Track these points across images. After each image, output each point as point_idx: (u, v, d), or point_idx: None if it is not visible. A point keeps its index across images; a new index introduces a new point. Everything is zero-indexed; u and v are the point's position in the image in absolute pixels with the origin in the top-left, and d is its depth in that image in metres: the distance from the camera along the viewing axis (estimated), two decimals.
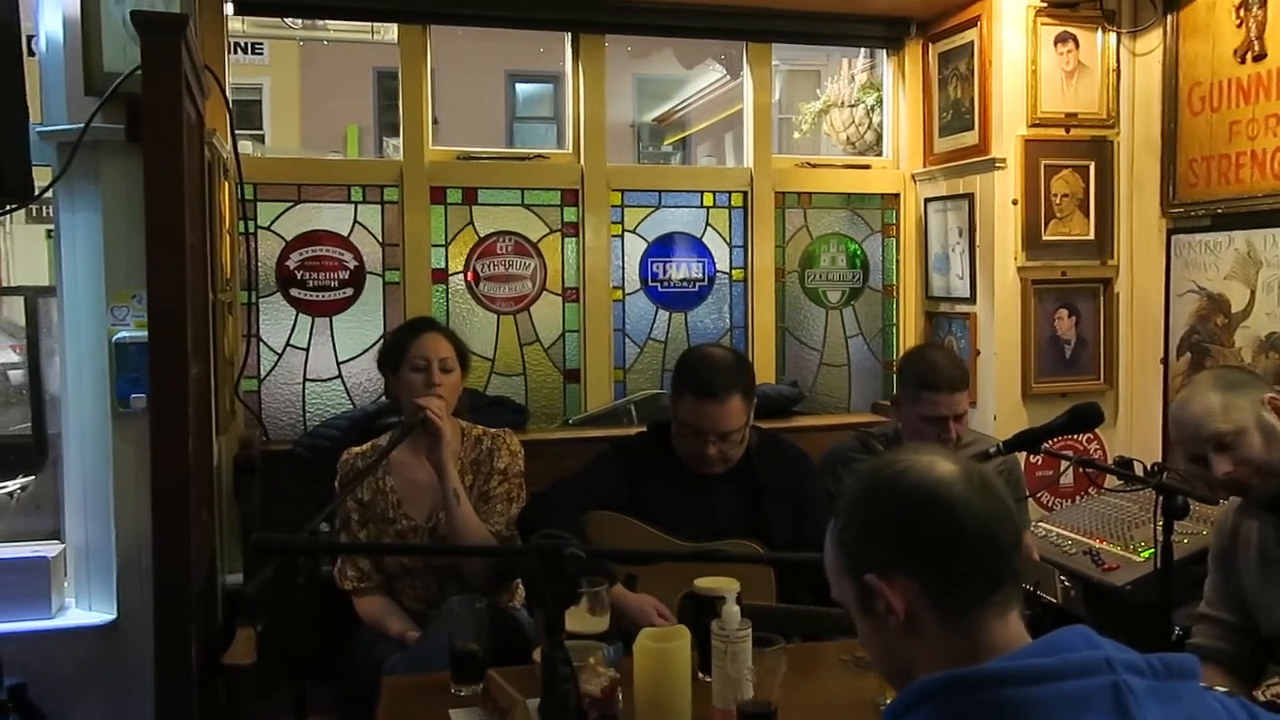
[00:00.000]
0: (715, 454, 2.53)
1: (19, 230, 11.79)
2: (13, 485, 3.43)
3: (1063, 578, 2.84)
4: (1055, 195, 3.64)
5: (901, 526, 1.14)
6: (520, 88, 16.21)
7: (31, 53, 2.74)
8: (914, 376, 2.84)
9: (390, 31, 4.08)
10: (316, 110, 14.59)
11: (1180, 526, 2.52)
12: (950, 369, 2.83)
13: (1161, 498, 2.24)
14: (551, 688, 1.41)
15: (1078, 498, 3.58)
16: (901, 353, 4.08)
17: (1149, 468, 2.48)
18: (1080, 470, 3.47)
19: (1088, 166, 3.67)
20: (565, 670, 1.42)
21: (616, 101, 13.31)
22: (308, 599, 2.72)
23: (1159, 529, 2.27)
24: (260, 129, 14.58)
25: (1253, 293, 3.25)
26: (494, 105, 15.41)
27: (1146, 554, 2.90)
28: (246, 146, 5.62)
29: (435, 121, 3.76)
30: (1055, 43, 3.60)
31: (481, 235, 3.74)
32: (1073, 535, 3.17)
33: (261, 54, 14.50)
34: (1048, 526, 3.27)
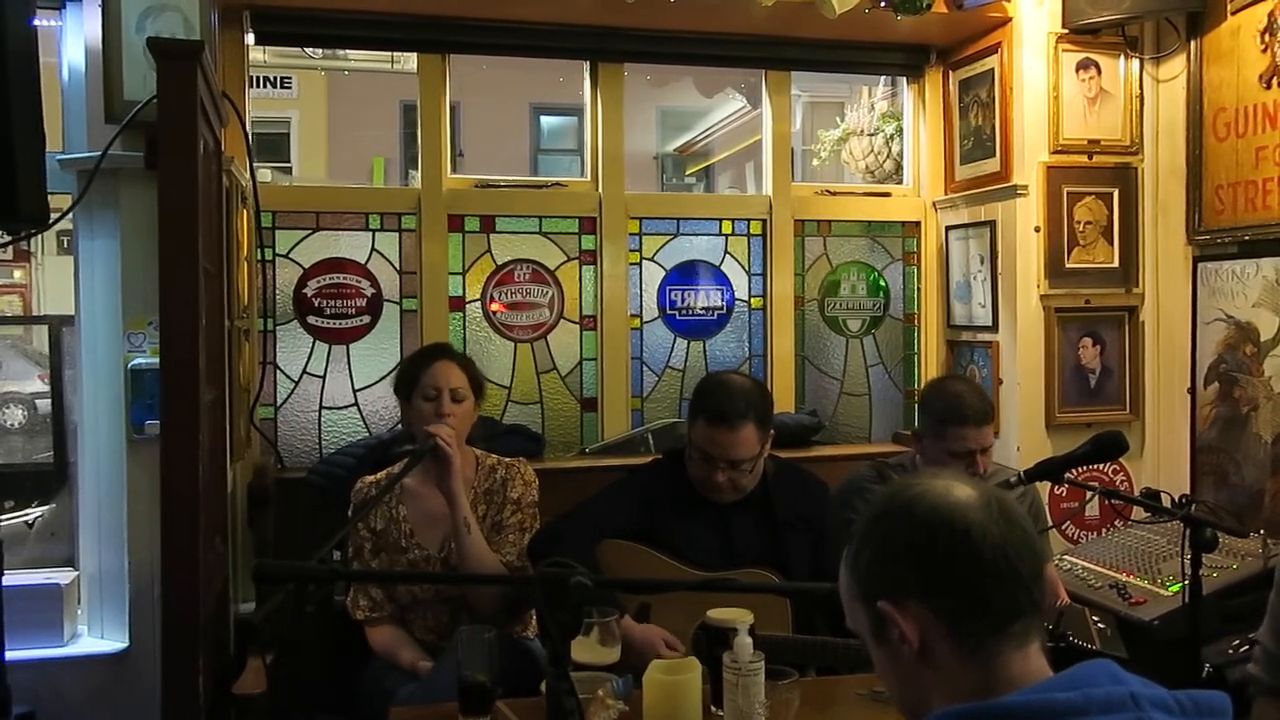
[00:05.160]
0: (724, 481, 2.49)
1: (49, 261, 11.93)
2: (31, 513, 3.43)
3: (1096, 618, 2.78)
4: (1078, 222, 3.60)
5: (915, 552, 1.10)
6: (544, 120, 16.31)
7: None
8: (939, 411, 2.79)
9: (410, 62, 4.10)
10: (343, 143, 14.72)
11: (1209, 560, 2.47)
12: (976, 402, 2.79)
13: (1190, 530, 2.19)
14: None
15: (1103, 530, 3.51)
16: (923, 382, 4.03)
17: (1177, 499, 2.43)
18: (1106, 502, 3.43)
19: (1111, 193, 3.63)
20: (571, 702, 1.38)
21: (640, 133, 13.38)
22: (319, 629, 2.71)
23: (1187, 562, 2.21)
24: (288, 161, 14.74)
25: None
26: (518, 138, 15.50)
27: (1175, 588, 2.84)
28: (266, 176, 5.67)
29: (460, 154, 3.77)
30: (1077, 69, 3.57)
31: (499, 263, 3.73)
32: (1098, 569, 3.10)
33: (290, 88, 14.68)
34: (1073, 560, 3.20)
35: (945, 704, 1.05)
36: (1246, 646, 2.66)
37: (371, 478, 2.78)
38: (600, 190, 3.77)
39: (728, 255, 3.95)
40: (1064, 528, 3.55)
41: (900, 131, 4.17)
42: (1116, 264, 3.64)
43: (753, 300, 3.96)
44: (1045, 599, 1.12)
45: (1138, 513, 3.30)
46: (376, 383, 3.62)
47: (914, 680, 1.11)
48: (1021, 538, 1.10)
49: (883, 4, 3.41)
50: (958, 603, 1.08)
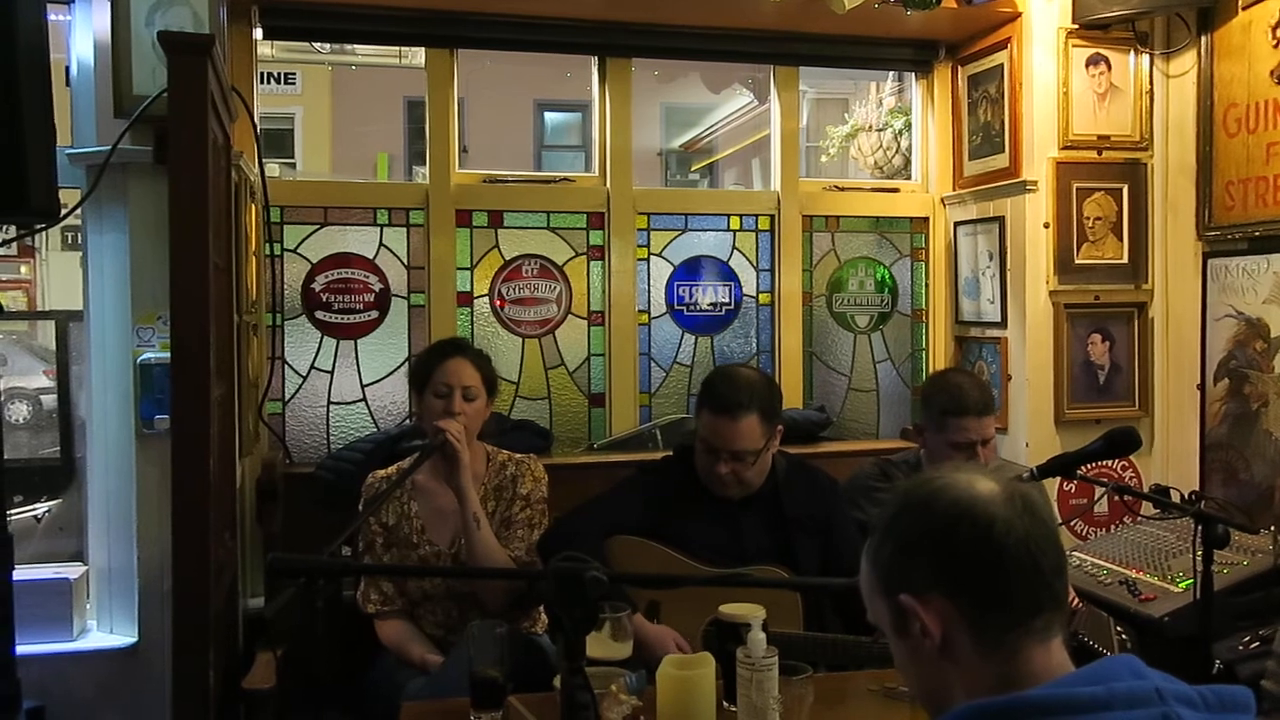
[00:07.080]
0: (727, 473, 2.48)
1: (54, 258, 11.97)
2: (39, 508, 3.44)
3: (1119, 628, 2.77)
4: (1088, 218, 3.59)
5: (937, 545, 1.10)
6: (549, 116, 16.33)
7: (67, 83, 2.77)
8: (940, 402, 2.79)
9: (418, 57, 4.10)
10: (347, 139, 14.75)
11: (1220, 556, 2.46)
12: (976, 392, 2.79)
13: (1201, 526, 2.18)
14: (571, 715, 1.37)
15: (1113, 526, 3.50)
16: None
17: (1187, 495, 2.42)
18: (1116, 498, 3.41)
19: (1121, 189, 3.61)
20: (585, 697, 1.38)
21: (645, 129, 13.35)
22: (329, 623, 2.70)
23: (1198, 559, 2.21)
24: (292, 157, 14.77)
25: None
26: (522, 134, 15.51)
27: (1185, 584, 2.83)
28: (273, 171, 5.66)
29: (465, 150, 3.76)
30: (1087, 65, 3.56)
31: (507, 258, 3.73)
32: (1108, 565, 3.09)
33: (295, 84, 14.71)
34: (1082, 556, 3.19)
35: (966, 698, 1.05)
36: (1257, 643, 2.66)
37: (382, 472, 2.78)
38: (608, 186, 3.76)
39: (735, 251, 3.94)
40: (1073, 524, 3.54)
41: (908, 127, 4.16)
42: (1126, 260, 3.63)
43: (760, 296, 3.96)
44: (1067, 594, 1.11)
45: (1147, 509, 3.29)
46: (384, 378, 3.62)
47: (935, 674, 1.10)
48: (1044, 532, 1.10)
49: None
50: (980, 597, 1.07)
